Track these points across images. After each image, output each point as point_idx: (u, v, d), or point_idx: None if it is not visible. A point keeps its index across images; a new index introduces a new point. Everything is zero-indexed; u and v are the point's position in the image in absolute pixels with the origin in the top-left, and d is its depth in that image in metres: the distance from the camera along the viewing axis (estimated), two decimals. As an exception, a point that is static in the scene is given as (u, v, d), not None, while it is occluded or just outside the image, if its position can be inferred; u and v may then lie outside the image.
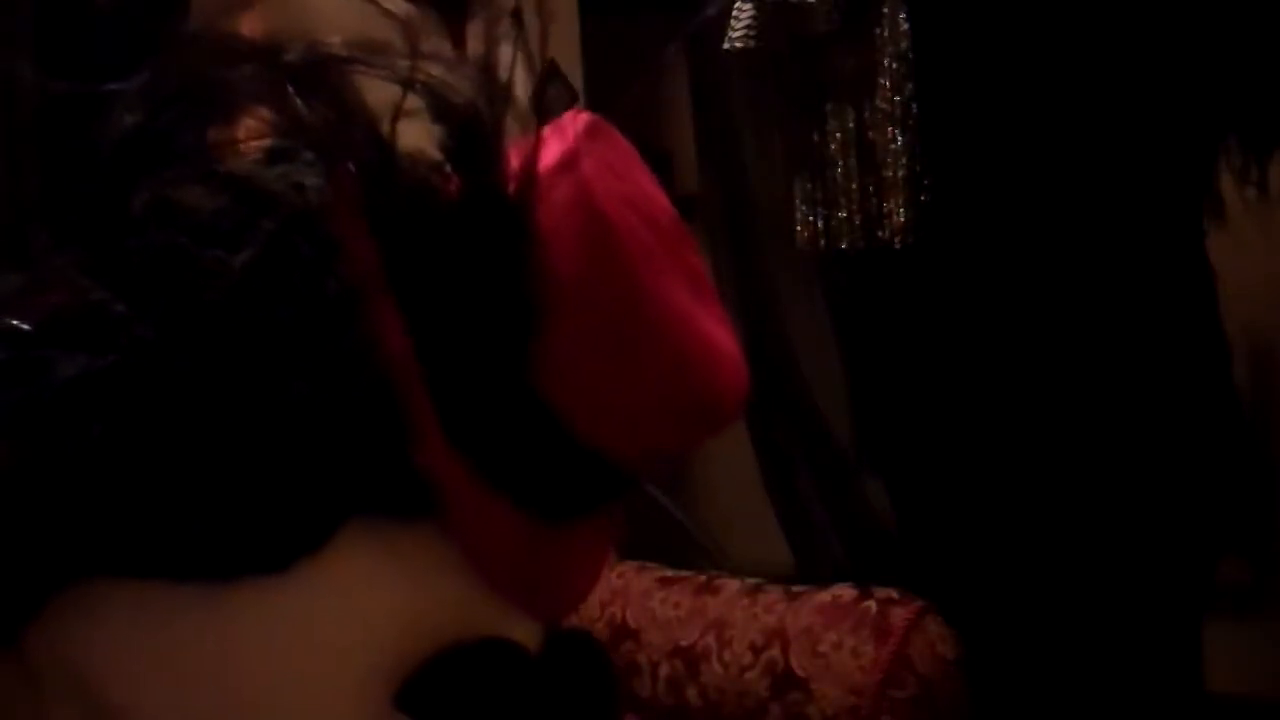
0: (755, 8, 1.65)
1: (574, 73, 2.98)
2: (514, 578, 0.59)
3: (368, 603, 0.56)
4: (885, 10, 1.56)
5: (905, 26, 1.56)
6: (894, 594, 1.38)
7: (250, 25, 1.99)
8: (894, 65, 1.56)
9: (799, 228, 1.68)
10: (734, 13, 1.68)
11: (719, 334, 0.68)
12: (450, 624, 0.56)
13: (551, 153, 0.63)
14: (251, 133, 0.59)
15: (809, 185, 1.66)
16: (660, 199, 0.68)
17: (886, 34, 1.57)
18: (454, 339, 0.56)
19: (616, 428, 0.60)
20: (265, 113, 0.58)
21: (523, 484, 0.58)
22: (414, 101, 0.60)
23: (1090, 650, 1.59)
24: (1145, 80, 1.53)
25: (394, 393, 0.55)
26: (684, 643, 1.49)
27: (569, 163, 0.62)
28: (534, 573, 0.60)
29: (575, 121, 0.65)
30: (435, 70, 0.62)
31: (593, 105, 3.03)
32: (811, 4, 1.59)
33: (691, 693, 1.47)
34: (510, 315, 0.57)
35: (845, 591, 1.42)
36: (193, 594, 0.53)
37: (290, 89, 0.58)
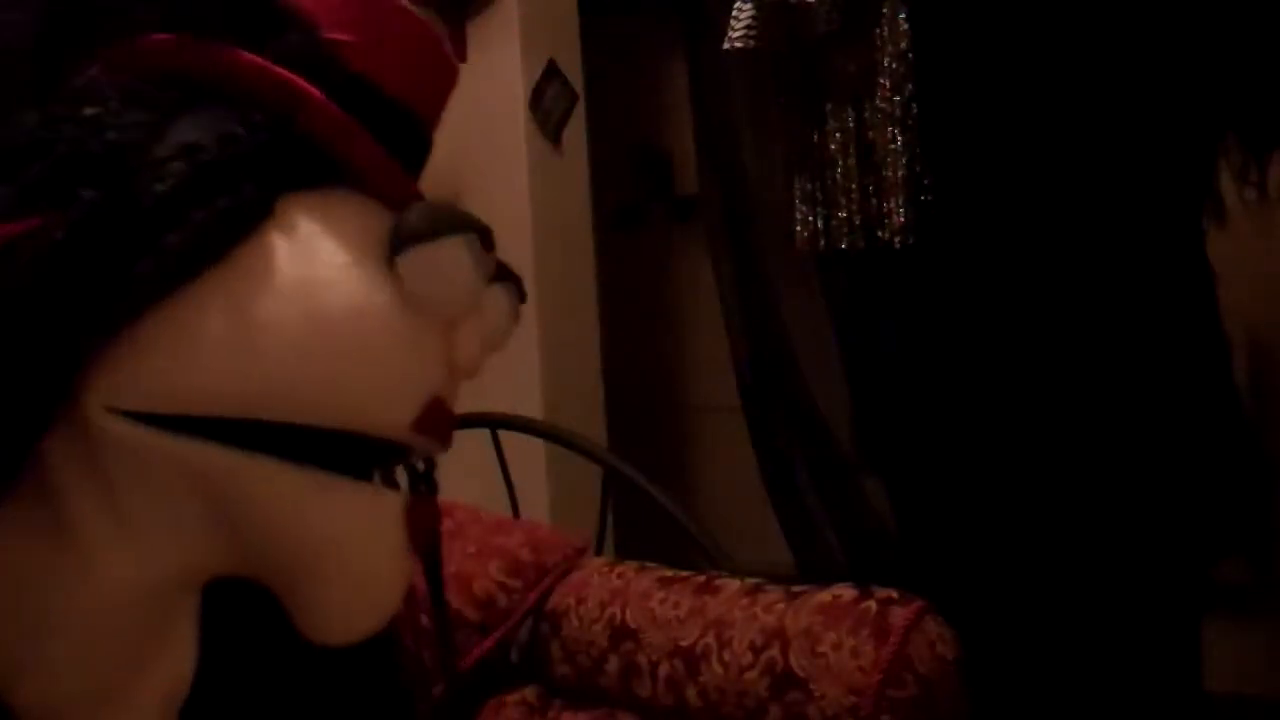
0: (755, 8, 1.65)
1: (574, 73, 2.98)
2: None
3: (336, 225, 0.78)
4: (885, 10, 1.57)
5: (905, 26, 1.56)
6: (894, 594, 1.38)
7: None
8: (894, 65, 1.56)
9: (799, 228, 1.68)
10: (734, 13, 1.68)
11: None
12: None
13: None
14: None
15: (809, 185, 1.66)
16: None
17: (886, 34, 1.57)
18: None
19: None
20: None
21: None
22: None
23: (1090, 650, 1.59)
24: (1145, 80, 1.53)
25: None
26: (684, 643, 1.49)
27: None
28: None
29: None
30: None
31: (593, 105, 3.04)
32: (811, 4, 1.59)
33: (691, 693, 1.46)
34: None
35: (845, 591, 1.41)
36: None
37: None
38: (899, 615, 1.34)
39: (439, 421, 0.78)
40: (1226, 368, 1.67)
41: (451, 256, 0.76)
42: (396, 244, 0.76)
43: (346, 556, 0.77)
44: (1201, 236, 1.63)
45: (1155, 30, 1.52)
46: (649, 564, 1.67)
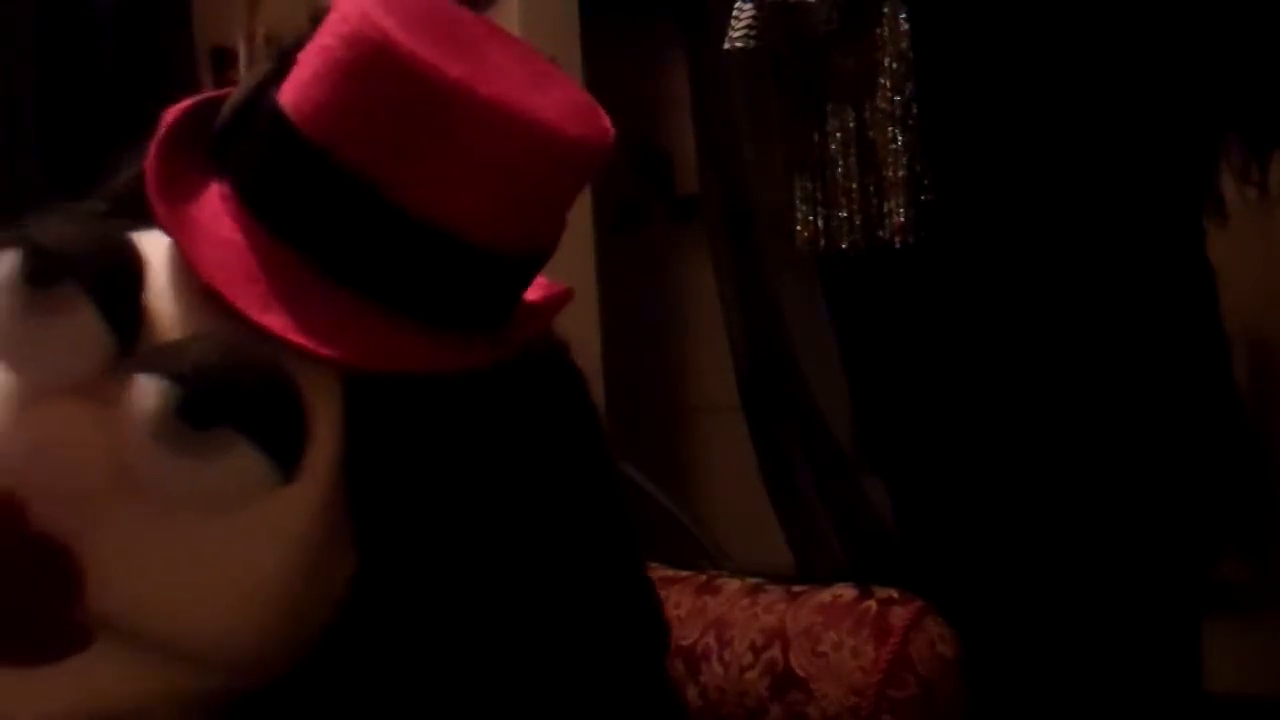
0: (755, 8, 1.65)
1: (574, 73, 2.98)
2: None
3: None
4: (885, 10, 1.56)
5: (905, 26, 1.56)
6: (894, 594, 1.38)
7: (251, 29, 2.00)
8: (894, 65, 1.56)
9: (799, 228, 1.68)
10: (734, 13, 1.68)
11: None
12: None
13: None
14: None
15: (809, 185, 1.66)
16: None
17: (886, 34, 1.57)
18: None
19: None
20: None
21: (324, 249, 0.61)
22: None
23: (1090, 650, 1.59)
24: (1145, 80, 1.53)
25: None
26: (684, 643, 1.49)
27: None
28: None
29: None
30: None
31: (593, 105, 3.03)
32: (811, 4, 1.59)
33: (691, 693, 1.46)
34: None
35: (845, 591, 1.41)
36: None
37: None
38: (899, 615, 1.34)
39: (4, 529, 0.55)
40: (1226, 368, 1.67)
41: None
42: None
43: None
44: (1201, 236, 1.63)
45: (1155, 30, 1.52)
46: (649, 564, 1.66)
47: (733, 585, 1.51)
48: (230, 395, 0.55)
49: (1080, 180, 1.56)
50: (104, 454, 0.57)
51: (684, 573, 1.59)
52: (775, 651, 1.37)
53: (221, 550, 0.60)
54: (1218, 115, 1.59)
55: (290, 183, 0.60)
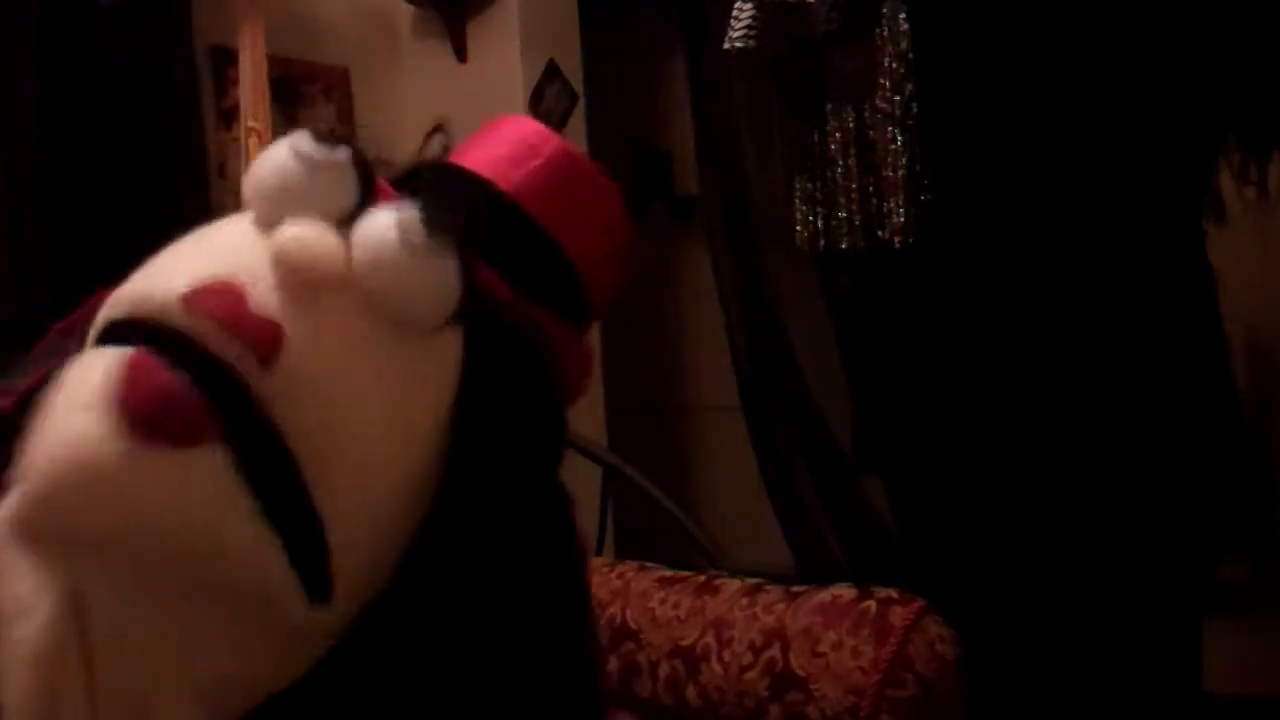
0: (755, 8, 1.65)
1: (574, 73, 2.98)
2: None
3: None
4: (885, 10, 1.57)
5: (905, 26, 1.56)
6: (894, 594, 1.38)
7: (251, 29, 1.99)
8: (894, 65, 1.56)
9: (799, 228, 1.68)
10: (734, 13, 1.68)
11: None
12: None
13: None
14: None
15: (809, 185, 1.66)
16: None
17: (886, 34, 1.57)
18: None
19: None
20: None
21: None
22: None
23: (1090, 650, 1.59)
24: (1145, 80, 1.53)
25: None
26: (684, 643, 1.49)
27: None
28: None
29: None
30: None
31: (593, 105, 3.04)
32: (811, 4, 1.59)
33: (691, 693, 1.46)
34: None
35: (845, 591, 1.41)
36: None
37: None
38: (899, 615, 1.34)
39: (221, 305, 0.63)
40: (1227, 369, 1.67)
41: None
42: None
43: None
44: (1201, 237, 1.63)
45: (1156, 31, 1.52)
46: (649, 564, 1.66)
47: (732, 585, 1.50)
48: (451, 221, 0.68)
49: (1080, 181, 1.56)
50: (332, 257, 0.66)
51: (684, 573, 1.59)
52: (775, 651, 1.37)
53: (401, 379, 0.67)
54: (1217, 116, 1.59)
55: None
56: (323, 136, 0.68)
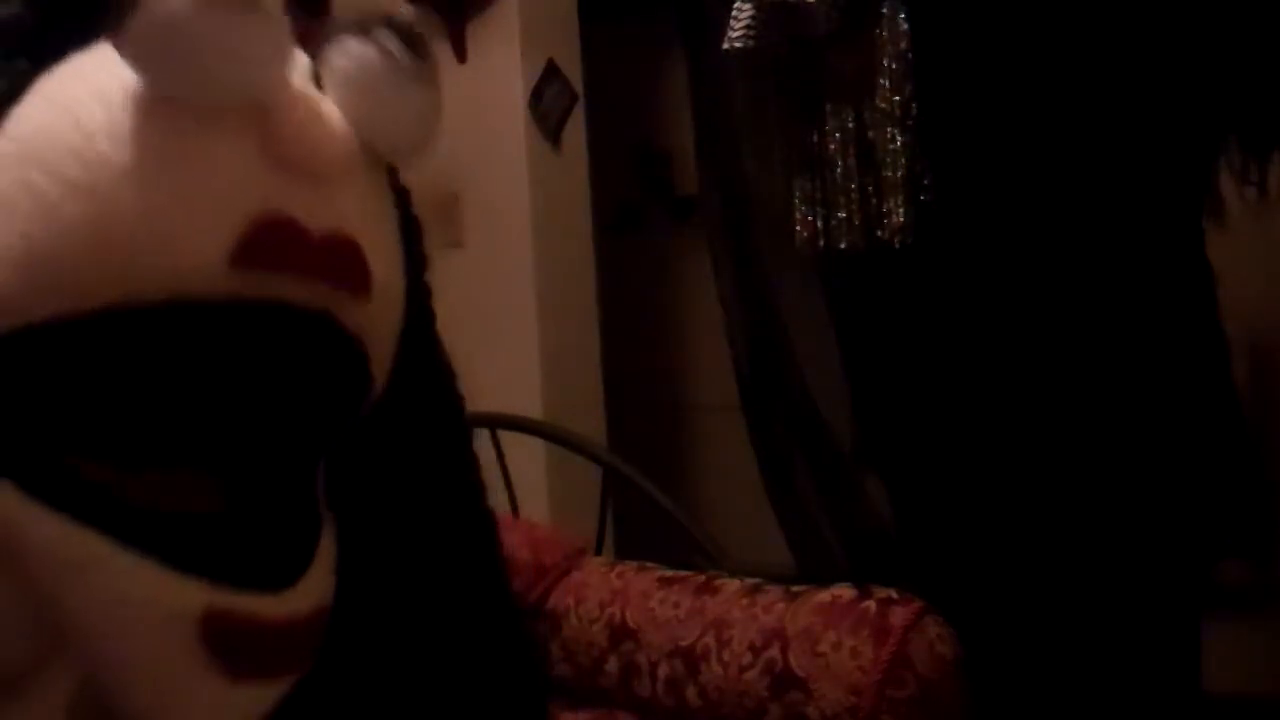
0: (755, 8, 1.65)
1: (574, 73, 2.98)
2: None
3: None
4: (885, 10, 1.57)
5: (905, 26, 1.56)
6: (893, 594, 1.38)
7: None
8: (894, 65, 1.56)
9: (799, 228, 1.68)
10: (734, 13, 1.68)
11: None
12: None
13: None
14: None
15: (809, 185, 1.66)
16: None
17: (886, 34, 1.57)
18: None
19: None
20: None
21: None
22: None
23: (1090, 650, 1.59)
24: (1145, 81, 1.53)
25: None
26: (684, 643, 1.49)
27: None
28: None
29: None
30: None
31: (592, 105, 3.04)
32: (811, 4, 1.59)
33: (691, 693, 1.46)
34: None
35: (845, 591, 1.41)
36: None
37: None
38: (899, 615, 1.34)
39: (284, 246, 0.54)
40: (1226, 368, 1.67)
41: (164, 18, 0.51)
42: (109, 21, 0.53)
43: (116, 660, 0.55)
44: (1201, 237, 1.63)
45: (1156, 31, 1.52)
46: (649, 564, 1.66)
47: (732, 585, 1.51)
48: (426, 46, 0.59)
49: (1080, 181, 1.56)
50: (347, 132, 0.57)
51: (684, 573, 1.59)
52: (775, 651, 1.37)
53: (388, 211, 0.62)
54: (1217, 116, 1.59)
55: None
56: None
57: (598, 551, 1.93)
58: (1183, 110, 1.56)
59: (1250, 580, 1.93)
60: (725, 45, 1.70)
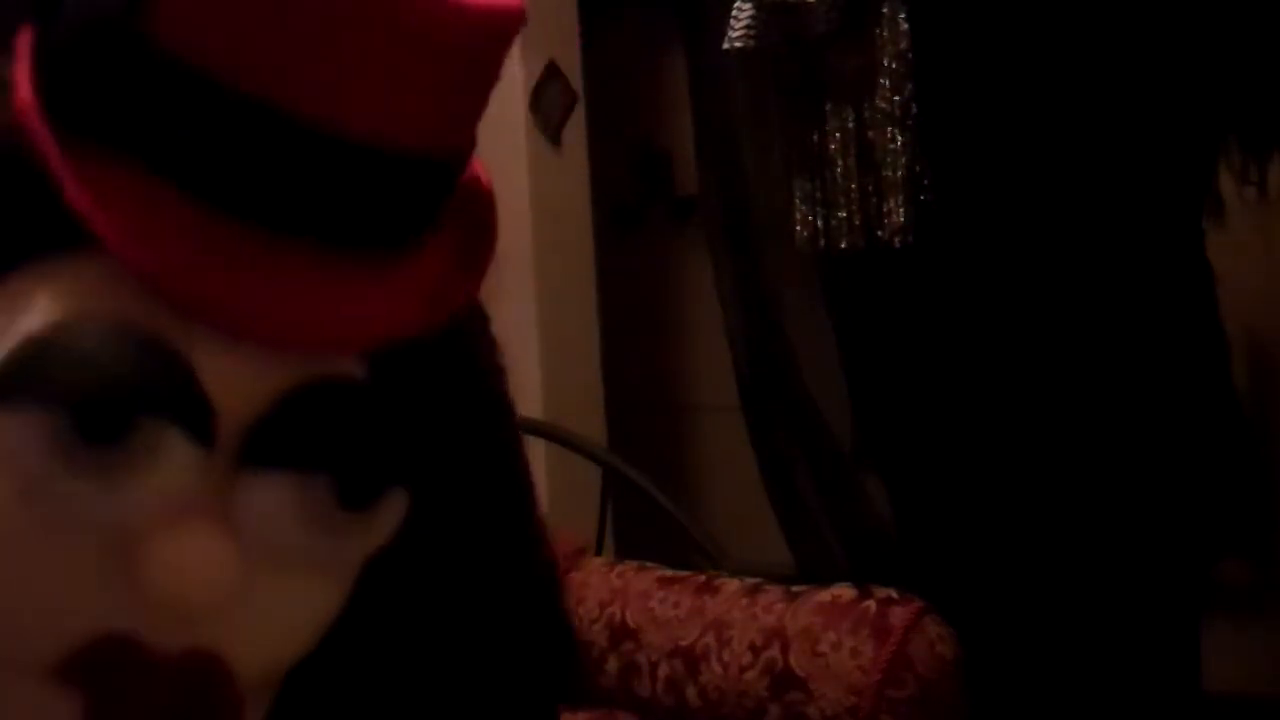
0: (755, 8, 1.65)
1: (574, 73, 2.98)
2: (201, 293, 0.49)
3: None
4: (885, 10, 1.56)
5: (905, 26, 1.56)
6: (893, 594, 1.38)
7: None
8: (894, 65, 1.56)
9: (799, 228, 1.68)
10: (734, 13, 1.68)
11: None
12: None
13: None
14: None
15: (809, 185, 1.66)
16: None
17: (886, 34, 1.57)
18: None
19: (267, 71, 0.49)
20: None
21: (183, 164, 0.49)
22: None
23: (1089, 650, 1.59)
24: (1145, 81, 1.53)
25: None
26: (684, 643, 1.49)
27: None
28: (231, 285, 0.49)
29: None
30: None
31: (593, 105, 3.04)
32: (811, 4, 1.59)
33: (691, 693, 1.46)
34: None
35: (845, 591, 1.42)
36: None
37: None
38: (898, 615, 1.34)
39: (116, 671, 0.47)
40: (1226, 368, 1.67)
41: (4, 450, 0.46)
42: None
43: None
44: (1201, 237, 1.63)
45: (1156, 31, 1.52)
46: (649, 564, 1.67)
47: (732, 585, 1.51)
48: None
49: (1080, 181, 1.56)
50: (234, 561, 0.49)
51: (684, 573, 1.59)
52: (775, 651, 1.38)
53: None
54: (1218, 115, 1.59)
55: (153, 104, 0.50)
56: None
57: (598, 551, 1.93)
58: (1183, 110, 1.56)
59: (1250, 580, 1.93)
60: (725, 45, 1.70)
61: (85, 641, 0.47)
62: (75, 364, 0.47)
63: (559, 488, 2.75)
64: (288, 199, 0.50)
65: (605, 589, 1.63)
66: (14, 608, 0.48)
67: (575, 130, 2.97)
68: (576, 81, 2.97)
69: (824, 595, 1.42)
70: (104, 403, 0.47)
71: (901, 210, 1.56)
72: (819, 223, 1.65)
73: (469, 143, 0.59)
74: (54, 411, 0.46)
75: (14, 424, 0.46)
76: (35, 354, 0.47)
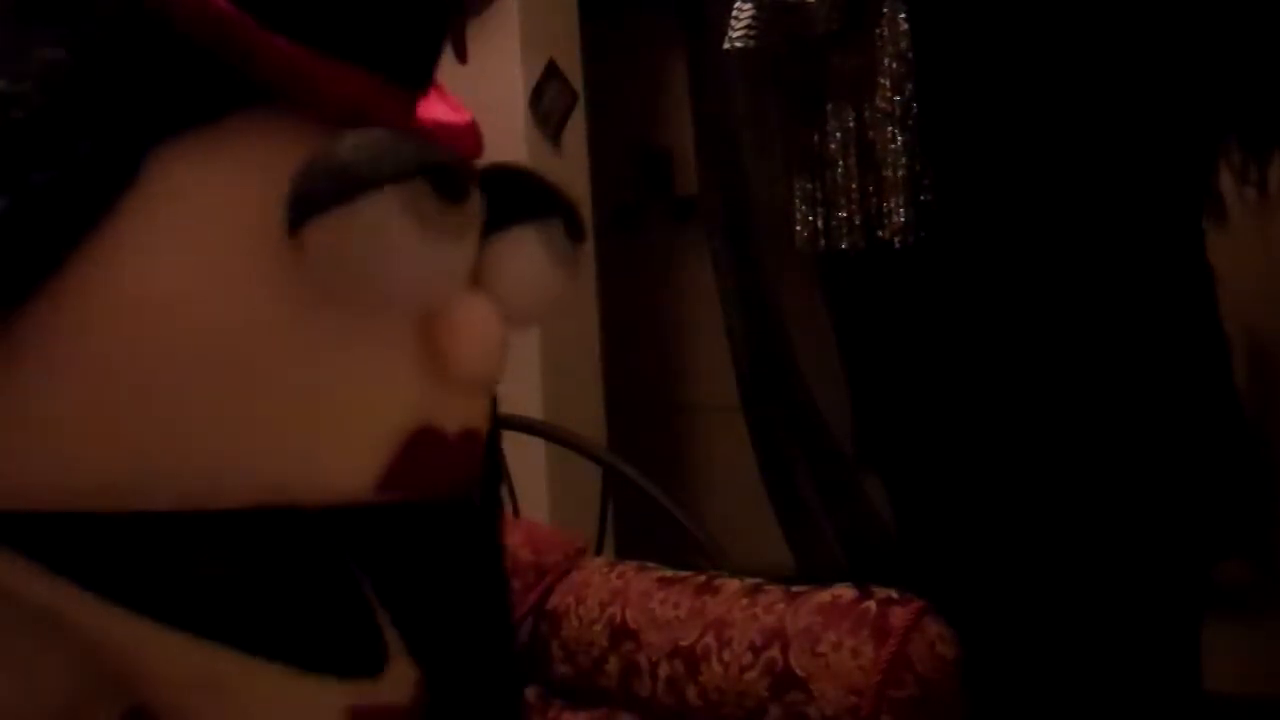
0: (755, 8, 1.65)
1: (574, 72, 2.98)
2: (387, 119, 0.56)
3: (214, 201, 0.52)
4: (885, 10, 1.56)
5: (905, 26, 1.56)
6: (894, 594, 1.38)
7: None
8: (894, 65, 1.56)
9: (799, 228, 1.68)
10: (734, 13, 1.68)
11: None
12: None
13: None
14: None
15: (809, 185, 1.66)
16: None
17: (886, 34, 1.57)
18: None
19: None
20: None
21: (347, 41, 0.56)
22: None
23: (1090, 650, 1.59)
24: (1145, 81, 1.53)
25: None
26: (684, 643, 1.49)
27: None
28: (393, 107, 0.58)
29: None
30: None
31: (593, 105, 3.04)
32: (811, 4, 1.59)
33: (691, 693, 1.46)
34: None
35: (845, 591, 1.41)
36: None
37: None
38: (899, 615, 1.34)
39: (428, 459, 0.53)
40: (1226, 368, 1.67)
41: (372, 224, 0.49)
42: (292, 213, 0.50)
43: None
44: (1201, 237, 1.63)
45: (1156, 30, 1.52)
46: (649, 564, 1.67)
47: (732, 585, 1.51)
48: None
49: (1080, 181, 1.56)
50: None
51: (684, 573, 1.59)
52: (775, 651, 1.37)
53: None
54: (1218, 115, 1.59)
55: None
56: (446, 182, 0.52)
57: (598, 551, 1.93)
58: (1183, 110, 1.56)
59: (1250, 580, 1.93)
60: (725, 45, 1.70)
61: (404, 440, 0.52)
62: (409, 148, 0.52)
63: (559, 488, 2.75)
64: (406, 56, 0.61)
65: (605, 589, 1.63)
66: (346, 417, 0.51)
67: (575, 130, 2.97)
68: (576, 81, 2.97)
69: (824, 595, 1.42)
70: (453, 168, 0.53)
71: (902, 210, 1.56)
72: (819, 223, 1.65)
73: None
74: (412, 181, 0.51)
75: (380, 198, 0.50)
76: (370, 144, 0.52)
